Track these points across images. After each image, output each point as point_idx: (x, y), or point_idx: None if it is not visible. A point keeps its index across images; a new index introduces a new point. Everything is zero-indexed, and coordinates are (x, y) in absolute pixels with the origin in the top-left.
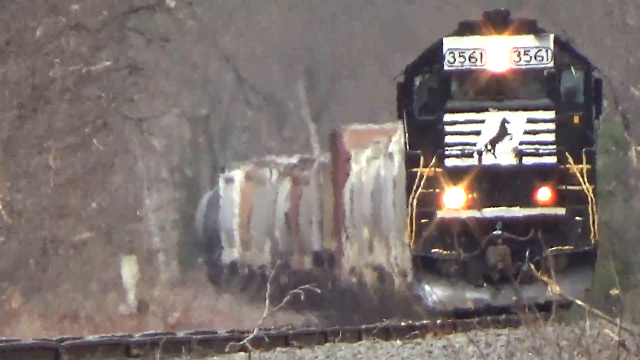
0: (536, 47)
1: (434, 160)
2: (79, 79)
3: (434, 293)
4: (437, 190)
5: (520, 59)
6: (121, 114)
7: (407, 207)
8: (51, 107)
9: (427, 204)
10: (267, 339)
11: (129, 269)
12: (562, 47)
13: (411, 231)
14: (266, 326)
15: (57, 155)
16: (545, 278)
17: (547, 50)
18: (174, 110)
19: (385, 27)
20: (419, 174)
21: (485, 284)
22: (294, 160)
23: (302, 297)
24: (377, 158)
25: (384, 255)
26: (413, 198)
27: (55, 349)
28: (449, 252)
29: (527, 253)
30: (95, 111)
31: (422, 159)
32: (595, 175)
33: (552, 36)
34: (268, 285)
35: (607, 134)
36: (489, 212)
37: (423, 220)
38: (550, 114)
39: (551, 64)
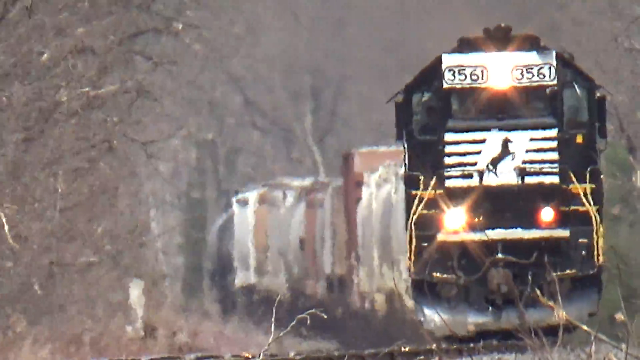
0: (538, 64)
1: (434, 181)
2: (85, 102)
3: (435, 317)
4: (437, 212)
5: (522, 76)
6: (127, 137)
7: (407, 229)
8: (57, 131)
9: (427, 227)
10: None
11: (135, 293)
12: (565, 64)
13: (411, 254)
14: (273, 352)
15: (63, 178)
16: (549, 302)
17: (549, 67)
18: (180, 133)
19: (389, 47)
20: (418, 196)
21: (487, 308)
22: (307, 183)
23: (308, 322)
24: (387, 181)
25: (394, 279)
26: (412, 220)
27: None
28: (449, 275)
29: (529, 276)
30: (102, 134)
31: (421, 180)
32: (600, 195)
33: (554, 53)
34: (274, 310)
35: (611, 158)
36: (491, 234)
37: (423, 244)
38: (553, 133)
39: (554, 82)
